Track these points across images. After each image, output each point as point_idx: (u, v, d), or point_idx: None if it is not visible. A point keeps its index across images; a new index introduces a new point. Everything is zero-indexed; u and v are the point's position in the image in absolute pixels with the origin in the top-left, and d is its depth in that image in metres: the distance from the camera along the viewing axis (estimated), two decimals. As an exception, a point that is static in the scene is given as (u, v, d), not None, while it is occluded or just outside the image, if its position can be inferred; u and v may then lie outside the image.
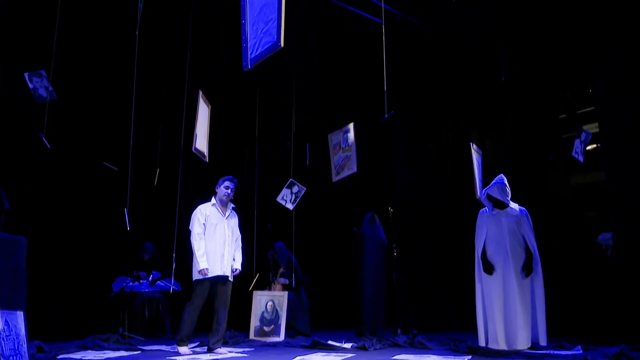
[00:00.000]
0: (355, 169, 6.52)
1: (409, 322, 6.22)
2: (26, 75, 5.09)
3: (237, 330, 6.24)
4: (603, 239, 5.94)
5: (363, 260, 6.48)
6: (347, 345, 5.35)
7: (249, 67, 3.55)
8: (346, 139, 6.66)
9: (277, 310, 6.30)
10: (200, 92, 5.37)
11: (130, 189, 5.04)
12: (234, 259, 5.19)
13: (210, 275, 4.94)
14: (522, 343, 4.78)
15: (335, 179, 6.81)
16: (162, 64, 7.07)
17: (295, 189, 6.69)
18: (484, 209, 5.21)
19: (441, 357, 4.65)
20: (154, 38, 6.72)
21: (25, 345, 3.85)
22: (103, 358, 4.70)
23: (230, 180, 5.19)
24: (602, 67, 5.74)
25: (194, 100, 5.38)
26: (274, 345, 5.75)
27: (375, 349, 5.18)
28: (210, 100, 5.65)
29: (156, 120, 7.28)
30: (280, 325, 6.21)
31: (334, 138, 6.81)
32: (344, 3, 6.67)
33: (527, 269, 4.92)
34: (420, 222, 7.04)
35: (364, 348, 5.18)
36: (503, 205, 5.06)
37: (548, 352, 4.65)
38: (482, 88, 7.45)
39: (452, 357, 4.66)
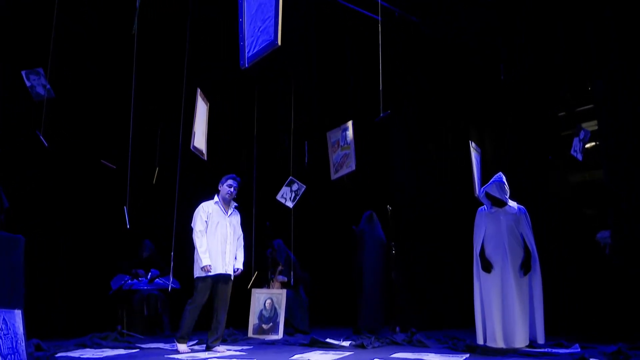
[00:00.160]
0: (353, 167, 6.52)
1: (409, 322, 6.23)
2: (23, 73, 5.08)
3: (235, 328, 6.24)
4: (602, 236, 5.93)
5: (361, 258, 6.49)
6: (346, 344, 5.35)
7: (246, 65, 3.54)
8: (345, 137, 6.66)
9: (275, 308, 6.31)
10: (199, 90, 5.36)
11: (130, 187, 5.03)
12: (235, 258, 5.19)
13: (212, 272, 4.94)
14: (520, 341, 4.79)
15: (333, 177, 6.81)
16: (161, 63, 7.06)
17: (294, 186, 6.69)
18: (482, 207, 5.22)
19: (439, 355, 4.65)
20: (153, 37, 6.71)
21: (23, 344, 3.85)
22: (102, 356, 4.70)
23: (233, 179, 5.19)
24: (602, 67, 5.74)
25: (192, 99, 5.37)
26: (273, 343, 5.75)
27: (373, 347, 5.18)
28: (209, 100, 5.65)
29: (156, 119, 7.28)
30: (278, 323, 6.22)
31: (332, 136, 6.80)
32: (344, 1, 6.65)
33: (525, 267, 4.92)
34: (420, 222, 7.04)
35: (362, 346, 5.18)
36: (501, 204, 5.06)
37: (546, 350, 4.66)
38: (482, 88, 7.45)
39: (451, 355, 4.67)
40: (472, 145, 6.18)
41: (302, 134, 7.65)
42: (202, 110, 5.42)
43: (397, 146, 7.27)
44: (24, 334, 3.87)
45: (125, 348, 5.24)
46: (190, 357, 4.70)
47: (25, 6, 6.06)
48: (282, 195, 6.71)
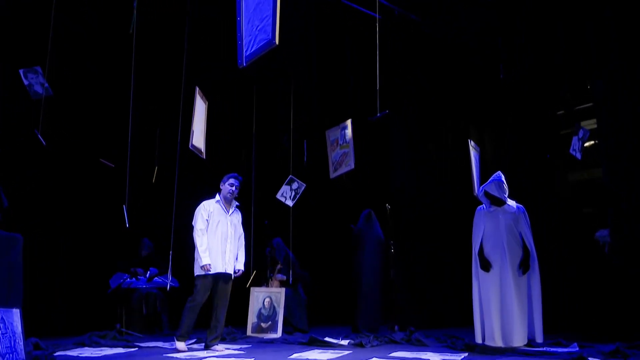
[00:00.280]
0: (352, 166, 6.52)
1: (408, 321, 6.23)
2: (21, 71, 5.07)
3: (234, 327, 6.23)
4: (600, 235, 5.94)
5: (360, 257, 6.48)
6: (344, 342, 5.35)
7: (244, 64, 3.53)
8: (344, 136, 6.65)
9: (274, 307, 6.31)
10: (197, 88, 5.34)
11: (129, 187, 5.03)
12: (236, 259, 5.19)
13: (212, 271, 4.94)
14: (519, 340, 4.79)
15: (332, 175, 6.81)
16: (162, 62, 7.05)
17: (294, 185, 6.69)
18: (481, 206, 5.21)
19: (438, 354, 4.66)
20: (153, 36, 6.71)
21: (21, 343, 3.85)
22: (100, 355, 4.69)
23: (235, 178, 5.19)
24: (602, 67, 5.74)
25: (192, 98, 5.37)
26: (271, 341, 5.75)
27: (372, 346, 5.18)
28: (209, 100, 5.64)
29: (156, 118, 7.27)
30: (277, 321, 6.22)
31: (331, 134, 6.80)
32: (344, 0, 6.65)
33: (524, 266, 4.92)
34: (420, 222, 7.05)
35: (361, 345, 5.18)
36: (500, 203, 5.06)
37: (544, 349, 4.66)
38: (482, 88, 7.46)
39: (449, 354, 4.68)
40: (471, 144, 6.18)
41: (302, 133, 7.65)
42: (200, 108, 5.41)
43: (397, 146, 7.27)
44: (22, 332, 3.88)
45: (124, 347, 5.24)
46: (189, 356, 4.70)
47: (24, 6, 6.05)
48: (282, 193, 6.70)
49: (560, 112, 6.99)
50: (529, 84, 6.63)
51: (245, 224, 5.38)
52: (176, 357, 4.60)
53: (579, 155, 6.09)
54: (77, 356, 4.62)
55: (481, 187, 5.23)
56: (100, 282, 6.58)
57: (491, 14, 6.68)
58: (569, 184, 6.82)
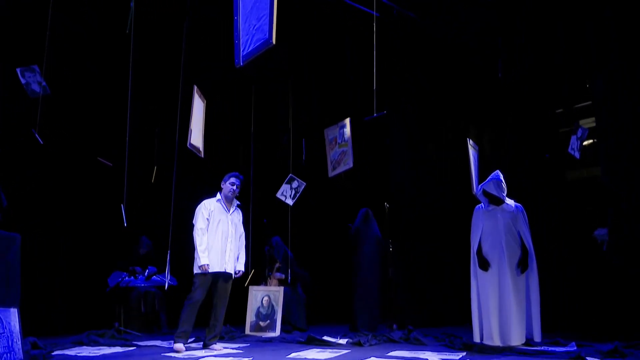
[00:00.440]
0: (351, 165, 6.51)
1: (409, 321, 6.22)
2: (18, 70, 5.05)
3: (232, 326, 6.24)
4: (599, 234, 5.94)
5: (357, 256, 6.48)
6: (343, 341, 5.35)
7: (241, 64, 3.52)
8: (342, 134, 6.64)
9: (273, 306, 6.31)
10: (195, 87, 5.33)
11: (129, 187, 5.03)
12: (237, 259, 5.18)
13: (210, 270, 4.93)
14: (517, 339, 4.79)
15: (331, 174, 6.80)
16: (162, 62, 7.04)
17: (294, 184, 6.68)
18: (479, 205, 5.21)
19: (436, 353, 4.66)
20: (153, 36, 6.69)
21: (19, 342, 3.85)
22: (98, 354, 4.69)
23: (236, 177, 5.18)
24: (602, 67, 5.73)
25: (190, 98, 5.35)
26: (270, 340, 5.75)
27: (370, 345, 5.18)
28: (209, 100, 5.63)
29: (155, 118, 7.26)
30: (276, 320, 6.22)
31: (330, 133, 6.78)
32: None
33: (522, 265, 4.92)
34: (420, 222, 7.05)
35: (359, 344, 5.18)
36: (499, 202, 5.05)
37: (542, 348, 4.67)
38: (482, 88, 7.45)
39: (447, 353, 4.68)
40: (470, 142, 6.17)
41: (301, 132, 7.65)
42: (199, 107, 5.40)
43: (396, 146, 7.27)
44: (20, 332, 3.87)
45: (122, 346, 5.23)
46: (187, 355, 4.69)
47: (24, 6, 6.03)
48: (282, 192, 6.69)
49: (559, 110, 6.99)
50: (529, 84, 6.63)
51: (244, 223, 5.37)
52: (174, 357, 4.60)
53: (577, 155, 6.09)
54: (75, 355, 4.61)
55: (479, 186, 5.22)
56: (99, 281, 6.58)
57: (491, 14, 6.67)
58: (568, 183, 6.81)
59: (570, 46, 6.29)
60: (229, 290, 5.16)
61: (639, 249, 5.30)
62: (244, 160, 7.57)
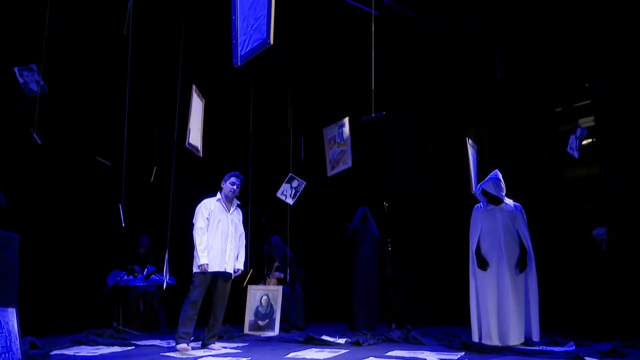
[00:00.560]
0: (350, 164, 6.49)
1: (409, 321, 6.22)
2: (16, 69, 5.04)
3: (231, 325, 6.24)
4: (597, 233, 5.94)
5: (356, 255, 6.47)
6: (341, 341, 5.35)
7: (239, 64, 3.51)
8: (341, 133, 6.63)
9: (271, 305, 6.30)
10: (194, 86, 5.32)
11: (128, 187, 5.02)
12: (237, 259, 5.17)
13: (210, 270, 4.93)
14: (515, 339, 4.79)
15: (330, 173, 6.79)
16: (162, 62, 7.02)
17: (295, 183, 6.67)
18: (478, 204, 5.21)
19: (435, 352, 4.66)
20: (152, 36, 6.68)
21: (17, 342, 3.85)
22: (97, 354, 4.69)
23: (237, 177, 5.18)
24: (602, 66, 5.73)
25: (189, 97, 5.35)
26: (269, 339, 5.75)
27: (369, 345, 5.18)
28: (208, 99, 5.62)
29: (155, 118, 7.26)
30: (274, 319, 6.21)
31: (329, 132, 6.76)
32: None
33: (521, 265, 4.92)
34: (419, 222, 7.05)
35: (357, 343, 5.18)
36: (498, 201, 5.05)
37: (541, 348, 4.67)
38: (482, 88, 7.44)
39: (446, 352, 4.68)
40: (469, 142, 6.16)
41: (301, 132, 7.64)
42: (197, 107, 5.38)
43: (396, 146, 7.26)
44: (18, 332, 3.87)
45: (120, 345, 5.23)
46: (186, 355, 4.69)
47: (22, 5, 6.03)
48: (283, 192, 6.69)
49: (559, 109, 6.99)
50: (528, 84, 6.63)
51: (243, 222, 5.37)
52: (173, 357, 4.60)
53: (576, 154, 6.09)
54: (74, 355, 4.61)
55: (478, 185, 5.22)
56: (99, 281, 6.58)
57: (491, 14, 6.66)
58: (567, 183, 6.81)
59: (570, 46, 6.29)
60: (229, 290, 5.16)
61: (638, 248, 5.30)
62: (244, 160, 7.57)
